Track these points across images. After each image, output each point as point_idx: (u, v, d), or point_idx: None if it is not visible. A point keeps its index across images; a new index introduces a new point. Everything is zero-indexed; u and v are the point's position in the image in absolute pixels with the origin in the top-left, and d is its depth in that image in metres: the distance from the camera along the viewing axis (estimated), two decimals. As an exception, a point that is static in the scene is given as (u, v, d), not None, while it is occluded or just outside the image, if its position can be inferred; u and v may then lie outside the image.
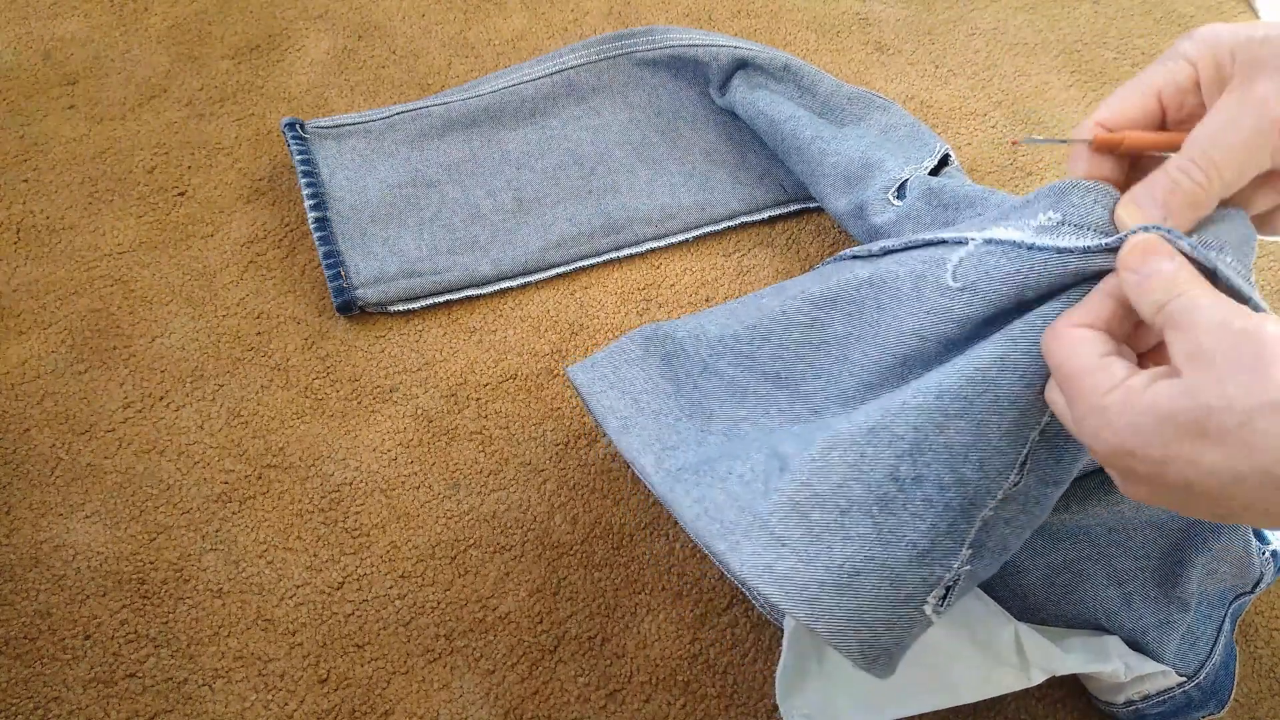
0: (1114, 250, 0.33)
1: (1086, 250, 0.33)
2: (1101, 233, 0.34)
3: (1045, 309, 0.34)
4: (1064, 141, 0.37)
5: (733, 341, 0.45)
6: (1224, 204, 0.33)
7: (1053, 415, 0.35)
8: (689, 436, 0.43)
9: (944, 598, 0.36)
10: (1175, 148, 0.33)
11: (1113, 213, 0.34)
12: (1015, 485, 0.36)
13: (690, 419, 0.44)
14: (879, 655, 0.36)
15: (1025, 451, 0.35)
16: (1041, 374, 0.34)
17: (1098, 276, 0.34)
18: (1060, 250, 0.34)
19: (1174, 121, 0.35)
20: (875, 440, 0.35)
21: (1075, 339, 0.31)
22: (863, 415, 0.36)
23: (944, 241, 0.39)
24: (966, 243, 0.38)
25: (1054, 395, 0.33)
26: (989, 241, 0.37)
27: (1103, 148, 0.35)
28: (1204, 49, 0.32)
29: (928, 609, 0.36)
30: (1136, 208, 0.33)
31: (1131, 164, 0.36)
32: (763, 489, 0.37)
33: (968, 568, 0.36)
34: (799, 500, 0.36)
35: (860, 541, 0.35)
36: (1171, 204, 0.32)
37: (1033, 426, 0.35)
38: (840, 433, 0.36)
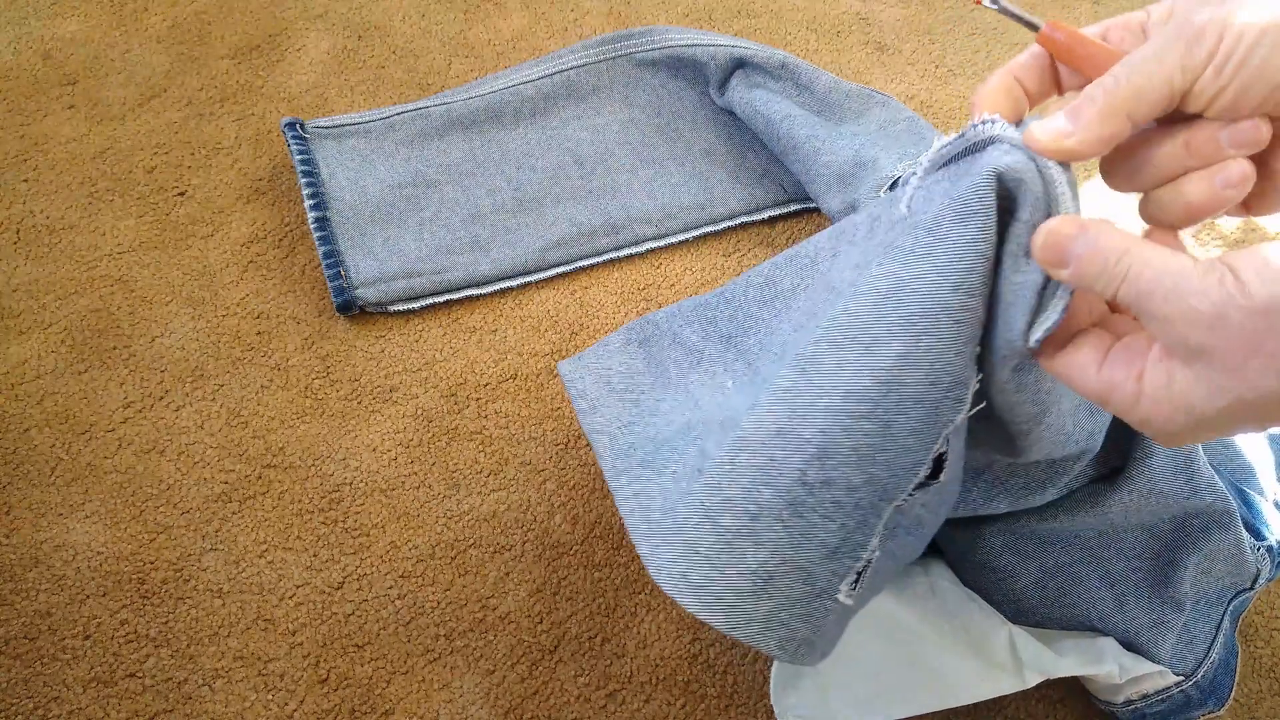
0: (991, 139, 0.33)
1: (979, 132, 0.33)
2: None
3: (951, 301, 0.33)
4: (1025, 21, 0.36)
5: (700, 309, 0.45)
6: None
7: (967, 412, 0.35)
8: (645, 410, 0.43)
9: (855, 582, 0.35)
10: (1113, 60, 0.32)
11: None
12: (930, 477, 0.35)
13: (650, 390, 0.44)
14: (798, 646, 0.35)
15: (937, 448, 0.34)
16: (948, 372, 0.33)
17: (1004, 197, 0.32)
18: (961, 136, 0.34)
19: None
20: (783, 444, 0.34)
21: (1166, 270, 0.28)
22: (769, 414, 0.35)
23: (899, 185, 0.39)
24: (914, 176, 0.37)
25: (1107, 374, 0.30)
26: (929, 170, 0.36)
27: (1045, 41, 0.35)
28: None
29: (841, 596, 0.35)
30: (1048, 122, 0.32)
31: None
32: (685, 489, 0.36)
33: (878, 553, 0.35)
34: (710, 506, 0.35)
35: (772, 546, 0.34)
36: (1080, 115, 0.31)
37: (945, 424, 0.34)
38: (747, 434, 0.35)
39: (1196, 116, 0.31)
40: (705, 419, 0.40)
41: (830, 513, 0.34)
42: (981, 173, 0.32)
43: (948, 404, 0.34)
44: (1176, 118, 0.32)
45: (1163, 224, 0.33)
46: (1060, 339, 0.32)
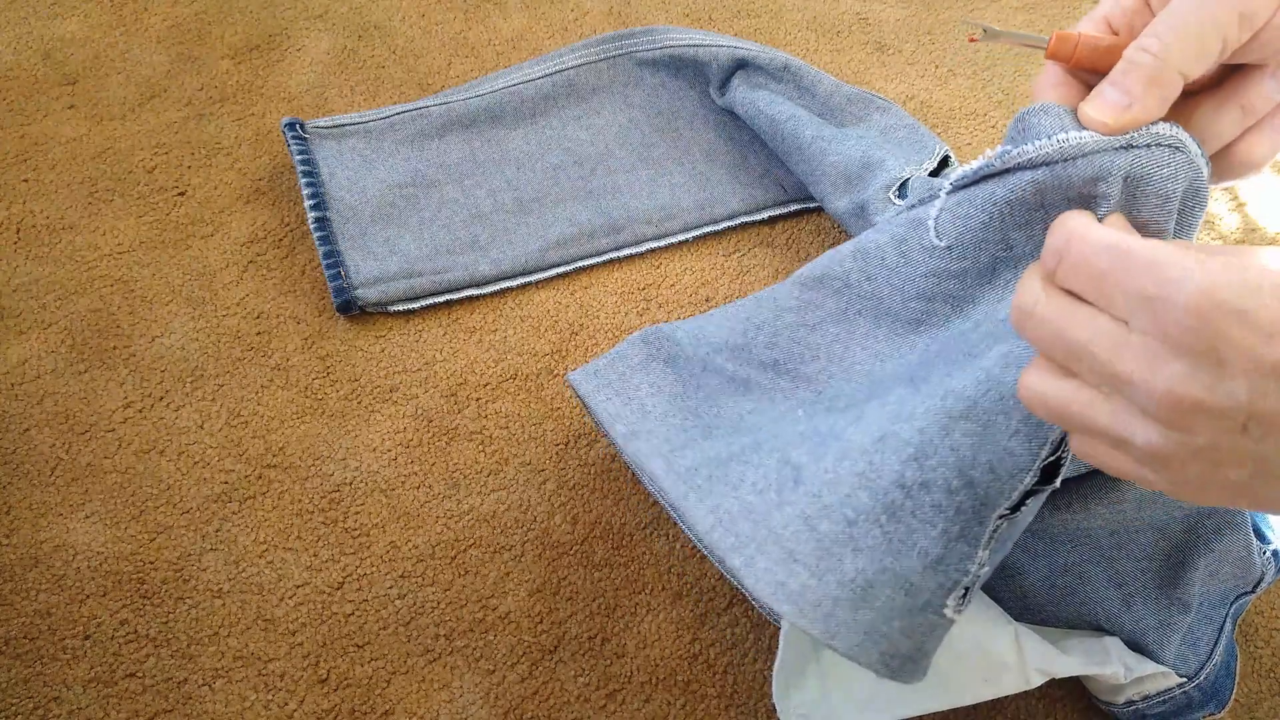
0: (1067, 155, 0.31)
1: (1044, 154, 0.32)
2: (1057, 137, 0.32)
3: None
4: (1029, 43, 0.34)
5: (727, 336, 0.45)
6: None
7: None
8: (695, 434, 0.43)
9: (964, 598, 0.35)
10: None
11: (1073, 116, 0.32)
12: (1041, 484, 0.34)
13: (696, 416, 0.44)
14: (902, 663, 0.34)
15: (1045, 454, 0.33)
16: None
17: (1066, 198, 0.32)
18: (1020, 166, 0.33)
19: None
20: (882, 448, 0.34)
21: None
22: (874, 422, 0.35)
23: (918, 203, 0.39)
24: (939, 195, 0.37)
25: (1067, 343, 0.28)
26: (956, 186, 0.35)
27: (1058, 54, 0.32)
28: None
29: (948, 611, 0.34)
30: (1099, 100, 0.31)
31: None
32: (776, 499, 0.36)
33: (987, 568, 0.35)
34: (809, 513, 0.35)
35: (871, 553, 0.33)
36: (1129, 85, 0.30)
37: (1051, 428, 0.33)
38: (852, 442, 0.35)
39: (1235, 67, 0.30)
40: (775, 435, 0.39)
41: (930, 517, 0.33)
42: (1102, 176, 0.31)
43: None
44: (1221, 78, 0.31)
45: (1222, 180, 0.33)
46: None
